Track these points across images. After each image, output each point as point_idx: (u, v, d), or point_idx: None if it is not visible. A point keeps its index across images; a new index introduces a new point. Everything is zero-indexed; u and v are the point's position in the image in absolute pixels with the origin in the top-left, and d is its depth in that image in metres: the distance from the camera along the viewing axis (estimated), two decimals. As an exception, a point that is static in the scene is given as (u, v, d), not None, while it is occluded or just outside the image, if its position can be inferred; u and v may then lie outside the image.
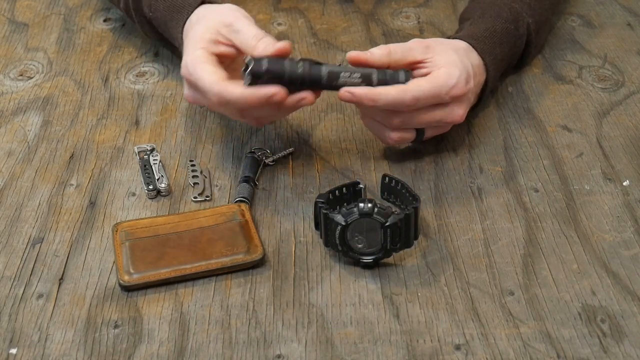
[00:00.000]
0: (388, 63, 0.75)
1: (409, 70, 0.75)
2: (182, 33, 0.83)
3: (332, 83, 0.74)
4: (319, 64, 0.74)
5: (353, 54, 0.75)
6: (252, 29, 0.77)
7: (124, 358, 0.63)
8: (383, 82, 0.74)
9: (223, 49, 0.77)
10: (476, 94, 0.82)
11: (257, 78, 0.71)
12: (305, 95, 0.73)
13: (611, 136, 0.85)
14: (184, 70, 0.76)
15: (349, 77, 0.74)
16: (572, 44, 1.00)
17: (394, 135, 0.77)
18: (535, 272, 0.70)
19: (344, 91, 0.73)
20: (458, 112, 0.77)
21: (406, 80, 0.74)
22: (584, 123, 0.87)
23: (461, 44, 0.81)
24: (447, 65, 0.75)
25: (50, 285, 0.69)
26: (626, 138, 0.85)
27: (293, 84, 0.72)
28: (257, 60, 0.72)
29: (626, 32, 1.03)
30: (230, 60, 0.78)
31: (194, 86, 0.75)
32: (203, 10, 0.82)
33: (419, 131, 0.78)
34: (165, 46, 0.94)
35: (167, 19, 0.86)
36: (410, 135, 0.78)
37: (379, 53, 0.75)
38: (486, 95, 0.85)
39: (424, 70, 0.76)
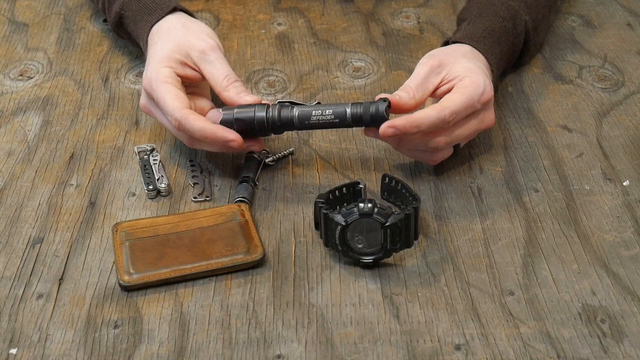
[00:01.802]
0: (417, 104, 0.75)
1: (386, 99, 0.74)
2: (147, 35, 0.84)
3: (305, 123, 0.75)
4: (293, 104, 0.75)
5: (399, 124, 0.72)
6: (226, 66, 0.79)
7: (124, 358, 0.63)
8: (358, 117, 0.73)
9: (189, 72, 0.79)
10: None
11: (230, 124, 0.75)
12: (254, 144, 0.76)
13: (611, 136, 0.85)
14: (146, 83, 0.78)
15: (321, 114, 0.74)
16: (572, 44, 1.00)
17: (438, 157, 0.78)
18: (535, 272, 0.70)
19: (386, 127, 0.72)
20: (490, 117, 0.78)
21: (388, 107, 0.73)
22: (584, 123, 0.87)
23: (465, 48, 0.81)
24: (468, 74, 0.76)
25: (50, 285, 0.69)
26: (626, 138, 0.85)
27: (263, 129, 0.75)
28: (227, 109, 0.76)
29: (626, 32, 1.03)
30: (192, 83, 0.80)
31: (153, 101, 0.77)
32: (176, 19, 0.84)
33: (455, 150, 0.79)
34: (135, 46, 0.95)
35: (137, 18, 0.87)
36: (450, 151, 0.78)
37: (406, 97, 0.75)
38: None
39: (445, 87, 0.76)
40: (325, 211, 0.69)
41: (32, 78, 0.95)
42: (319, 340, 0.64)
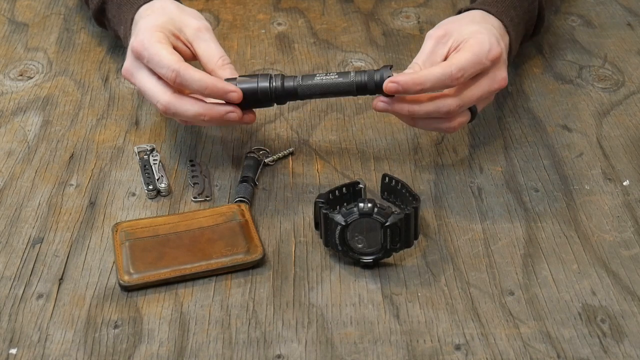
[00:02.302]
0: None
1: (391, 65, 0.73)
2: (134, 14, 0.82)
3: (308, 84, 0.74)
4: (292, 76, 0.75)
5: (402, 80, 0.71)
6: (220, 47, 0.78)
7: (124, 358, 0.63)
8: (362, 84, 0.73)
9: (180, 47, 0.77)
10: (507, 56, 0.80)
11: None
12: (249, 114, 0.75)
13: (611, 136, 0.85)
14: (136, 44, 0.75)
15: (325, 75, 0.74)
16: (572, 44, 1.00)
17: (455, 123, 0.75)
18: (535, 272, 0.70)
19: (389, 82, 0.71)
20: (501, 75, 0.75)
21: (391, 75, 0.72)
22: (584, 123, 0.87)
23: (475, 13, 0.80)
24: (472, 35, 0.75)
25: (50, 285, 0.69)
26: (626, 138, 0.85)
27: (267, 99, 0.74)
28: (229, 79, 0.74)
29: (626, 32, 1.03)
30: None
31: (143, 60, 0.74)
32: (168, 2, 0.82)
33: (473, 111, 0.77)
34: (114, 35, 0.93)
35: (122, 3, 0.85)
36: (467, 116, 0.76)
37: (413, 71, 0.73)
38: (511, 59, 0.83)
39: (453, 54, 0.75)
40: (325, 211, 0.69)
41: (32, 78, 0.95)
42: (319, 340, 0.64)
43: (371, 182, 0.79)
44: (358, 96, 0.75)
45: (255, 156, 0.81)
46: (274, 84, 0.74)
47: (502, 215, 0.76)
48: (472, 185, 0.79)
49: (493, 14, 0.80)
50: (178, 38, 0.78)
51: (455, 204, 0.77)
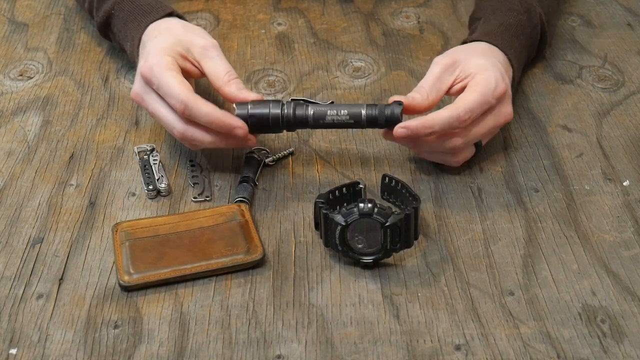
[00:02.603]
0: (430, 104, 0.76)
1: (401, 102, 0.74)
2: (142, 33, 0.83)
3: (319, 122, 0.75)
4: (307, 102, 0.75)
5: (412, 125, 0.73)
6: (227, 63, 0.79)
7: (124, 358, 0.63)
8: (373, 119, 0.74)
9: (189, 67, 0.79)
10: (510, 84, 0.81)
11: (244, 121, 0.74)
12: (251, 138, 0.75)
13: (611, 136, 0.85)
14: (145, 69, 0.76)
15: (336, 115, 0.74)
16: (572, 44, 1.00)
17: (459, 158, 0.78)
18: (535, 272, 0.70)
19: (398, 128, 0.73)
20: (506, 111, 0.77)
21: (401, 111, 0.74)
22: (584, 123, 0.87)
23: (481, 45, 0.81)
24: (480, 71, 0.76)
25: (50, 285, 0.69)
26: (626, 138, 0.85)
27: (278, 126, 0.75)
28: (241, 104, 0.75)
29: (626, 32, 1.03)
30: (189, 78, 0.79)
31: (153, 86, 0.75)
32: (174, 22, 0.83)
33: (478, 146, 0.79)
34: (119, 47, 0.94)
35: (128, 19, 0.87)
36: (472, 151, 0.78)
37: (419, 98, 0.76)
38: (515, 89, 0.84)
39: (459, 85, 0.77)
40: (325, 211, 0.69)
41: (32, 78, 0.95)
42: (319, 340, 0.64)
43: (371, 182, 0.79)
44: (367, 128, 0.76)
45: (255, 156, 0.81)
46: (285, 111, 0.75)
47: (502, 215, 0.76)
48: (472, 185, 0.79)
49: (498, 47, 0.81)
50: (186, 58, 0.78)
51: (455, 204, 0.77)
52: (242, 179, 0.78)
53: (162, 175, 0.79)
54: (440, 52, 0.98)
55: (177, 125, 0.75)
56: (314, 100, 0.76)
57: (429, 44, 1.01)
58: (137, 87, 0.78)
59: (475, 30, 0.87)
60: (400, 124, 0.73)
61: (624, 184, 0.79)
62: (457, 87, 0.77)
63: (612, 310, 0.66)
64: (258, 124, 0.75)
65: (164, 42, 0.79)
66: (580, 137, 0.85)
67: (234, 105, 0.76)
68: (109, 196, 0.78)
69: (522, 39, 0.85)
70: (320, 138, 0.85)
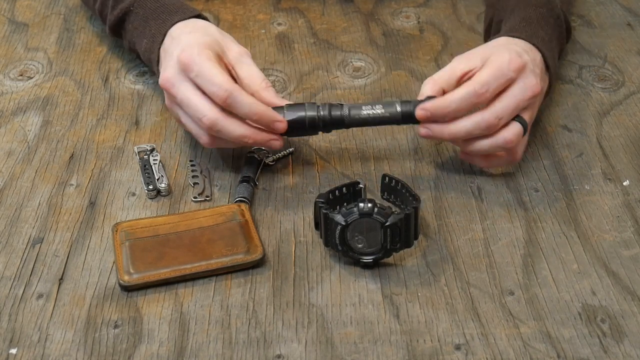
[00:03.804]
0: (442, 90, 0.75)
1: (434, 97, 0.75)
2: (166, 31, 0.82)
3: (355, 118, 0.75)
4: (339, 105, 0.76)
5: (429, 106, 0.74)
6: (260, 71, 0.79)
7: (124, 358, 0.63)
8: (408, 113, 0.75)
9: (223, 68, 0.77)
10: (540, 71, 0.79)
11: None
12: (281, 138, 0.76)
13: (611, 136, 0.85)
14: (186, 57, 0.74)
15: (372, 109, 0.75)
16: (572, 44, 1.00)
17: (507, 135, 0.74)
18: (535, 272, 0.70)
19: (418, 109, 0.73)
20: (531, 82, 0.75)
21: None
22: (584, 123, 0.87)
23: (500, 40, 0.80)
24: (493, 52, 0.76)
25: (50, 285, 0.69)
26: (626, 138, 0.85)
27: (314, 127, 0.76)
28: (277, 108, 0.75)
29: (626, 32, 1.03)
30: None
31: (190, 74, 0.74)
32: (206, 23, 0.83)
33: (522, 123, 0.75)
34: (128, 47, 0.92)
35: (150, 17, 0.86)
36: (518, 128, 0.75)
37: (429, 89, 0.75)
38: (554, 76, 0.83)
39: (472, 74, 0.76)
40: (325, 211, 0.69)
41: (32, 78, 0.95)
42: (319, 340, 0.64)
43: (371, 182, 0.79)
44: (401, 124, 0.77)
45: (255, 156, 0.81)
46: (321, 113, 0.75)
47: (502, 215, 0.76)
48: (472, 185, 0.79)
49: (522, 38, 0.80)
50: (221, 60, 0.78)
51: (455, 204, 0.77)
52: (242, 179, 0.78)
53: (162, 175, 0.79)
54: (440, 52, 0.99)
55: (209, 113, 0.73)
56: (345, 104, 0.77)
57: (429, 44, 1.01)
58: (170, 72, 0.76)
59: (498, 32, 0.86)
60: (419, 106, 0.73)
61: (624, 183, 0.79)
62: (473, 73, 0.76)
63: (612, 310, 0.66)
64: (295, 127, 0.75)
65: (202, 38, 0.78)
66: (580, 137, 0.85)
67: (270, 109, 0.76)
68: (109, 196, 0.78)
69: (547, 28, 0.84)
70: (320, 138, 0.85)
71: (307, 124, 0.76)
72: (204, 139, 0.76)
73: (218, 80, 0.72)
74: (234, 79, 0.77)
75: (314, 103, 0.76)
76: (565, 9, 0.89)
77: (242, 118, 0.74)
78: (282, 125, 0.74)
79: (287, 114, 0.75)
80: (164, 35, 0.82)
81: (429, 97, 0.74)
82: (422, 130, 0.75)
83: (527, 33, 0.81)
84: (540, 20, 0.84)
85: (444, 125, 0.74)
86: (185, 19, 0.83)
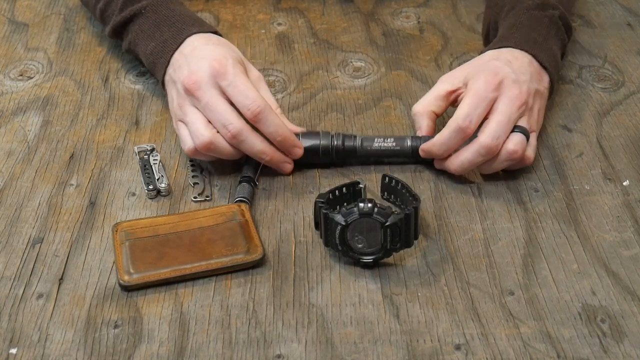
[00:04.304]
0: (434, 114, 0.80)
1: None
2: (183, 39, 0.82)
3: (367, 149, 0.79)
4: (352, 135, 0.80)
5: (425, 147, 0.78)
6: (273, 97, 0.82)
7: (124, 358, 0.63)
8: (417, 147, 0.79)
9: None
10: (530, 74, 0.79)
11: None
12: (290, 162, 0.79)
13: (611, 136, 0.85)
14: (221, 66, 0.75)
15: (383, 142, 0.79)
16: (572, 44, 1.00)
17: (509, 147, 0.75)
18: (535, 272, 0.70)
19: (420, 150, 0.78)
20: (514, 93, 0.76)
21: None
22: (584, 123, 0.87)
23: (485, 56, 0.82)
24: (470, 79, 0.78)
25: (50, 285, 0.69)
26: (626, 138, 0.85)
27: (327, 155, 0.79)
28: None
29: (626, 32, 1.03)
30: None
31: (222, 82, 0.75)
32: (224, 40, 0.84)
33: (522, 131, 0.76)
34: (126, 40, 0.91)
35: (163, 24, 0.86)
36: (518, 138, 0.75)
37: (421, 121, 0.80)
38: (554, 72, 0.83)
39: (460, 92, 0.80)
40: (325, 211, 0.69)
41: (32, 78, 0.95)
42: (319, 340, 0.64)
43: (371, 182, 0.79)
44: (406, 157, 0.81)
45: (255, 156, 0.81)
46: (334, 142, 0.79)
47: (502, 215, 0.76)
48: (472, 185, 0.79)
49: (512, 46, 0.81)
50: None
51: (455, 204, 0.77)
52: (242, 179, 0.78)
53: (162, 175, 0.79)
54: (440, 52, 0.99)
55: (236, 122, 0.74)
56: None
57: (429, 44, 1.01)
58: (200, 76, 0.76)
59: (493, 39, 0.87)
60: (420, 147, 0.78)
61: (624, 183, 0.79)
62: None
63: (612, 310, 0.66)
64: (308, 154, 0.79)
65: (232, 53, 0.79)
66: (580, 137, 0.85)
67: None
68: (109, 196, 0.78)
69: (540, 29, 0.84)
70: (320, 138, 0.85)
71: (321, 153, 0.79)
72: (200, 142, 0.75)
73: (252, 95, 0.75)
74: None
75: (328, 132, 0.80)
76: (564, 7, 0.89)
77: (263, 135, 0.76)
78: (300, 152, 0.78)
79: (302, 141, 0.79)
80: (180, 43, 0.82)
81: (431, 137, 0.78)
82: (422, 153, 0.79)
83: (517, 39, 0.82)
84: (532, 22, 0.85)
85: (448, 161, 0.77)
86: (204, 32, 0.84)
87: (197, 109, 0.76)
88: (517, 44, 0.82)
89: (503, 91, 0.76)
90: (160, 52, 0.84)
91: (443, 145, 0.76)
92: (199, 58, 0.78)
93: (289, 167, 0.79)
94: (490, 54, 0.82)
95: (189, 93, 0.76)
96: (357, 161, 0.81)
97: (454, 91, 0.80)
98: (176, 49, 0.82)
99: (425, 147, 0.78)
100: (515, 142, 0.75)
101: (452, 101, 0.80)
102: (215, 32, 0.85)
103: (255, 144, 0.76)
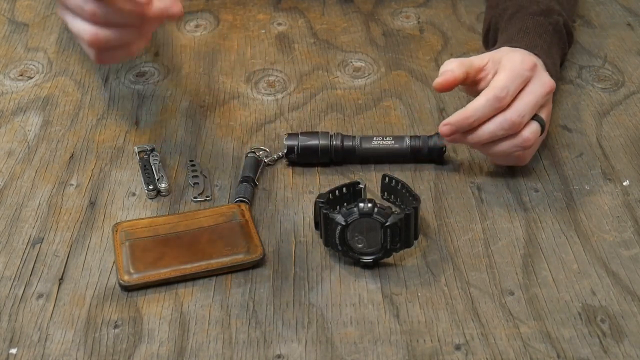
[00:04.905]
0: (466, 73, 0.76)
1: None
2: None
3: (365, 148, 0.80)
4: (351, 136, 0.81)
5: (439, 81, 0.75)
6: None
7: (124, 358, 0.63)
8: (416, 146, 0.79)
9: None
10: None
11: (291, 151, 0.80)
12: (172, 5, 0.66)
13: (611, 136, 0.85)
14: None
15: (382, 140, 0.80)
16: (572, 44, 1.00)
17: (525, 133, 0.74)
18: (535, 272, 0.70)
19: (442, 125, 0.74)
20: (546, 78, 0.76)
21: (440, 139, 0.79)
22: (584, 123, 0.87)
23: (503, 48, 0.81)
24: (503, 55, 0.77)
25: (50, 285, 0.69)
26: (626, 138, 0.85)
27: (326, 155, 0.80)
28: (291, 135, 0.80)
29: (626, 32, 1.03)
30: None
31: None
32: None
33: (540, 122, 0.75)
34: None
35: None
36: (536, 127, 0.75)
37: (457, 66, 0.75)
38: (556, 80, 0.82)
39: (483, 75, 0.77)
40: (325, 211, 0.69)
41: (32, 78, 0.95)
42: (319, 340, 0.64)
43: (371, 182, 0.79)
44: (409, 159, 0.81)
45: (255, 156, 0.81)
46: (333, 142, 0.80)
47: (502, 215, 0.76)
48: (472, 185, 0.79)
49: (521, 47, 0.81)
50: None
51: (455, 204, 0.77)
52: (242, 179, 0.78)
53: (162, 175, 0.79)
54: (440, 52, 0.99)
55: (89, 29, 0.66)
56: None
57: (429, 44, 1.01)
58: None
59: (495, 40, 0.87)
60: (443, 122, 0.74)
61: (624, 184, 0.79)
62: (482, 76, 0.77)
63: (612, 310, 0.66)
64: (307, 153, 0.79)
65: None
66: (580, 137, 0.85)
67: (284, 138, 0.80)
68: (109, 196, 0.78)
69: (545, 36, 0.85)
70: (320, 138, 0.85)
71: (320, 152, 0.79)
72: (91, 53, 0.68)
73: None
74: None
75: (327, 132, 0.80)
76: (567, 14, 0.89)
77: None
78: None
79: (301, 140, 0.79)
80: None
81: (438, 133, 0.76)
82: (444, 128, 0.74)
83: (526, 43, 0.82)
84: (538, 28, 0.85)
85: (467, 133, 0.75)
86: None
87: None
88: (527, 47, 0.81)
89: (536, 74, 0.76)
90: None
91: (477, 111, 0.73)
92: None
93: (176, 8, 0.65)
94: (506, 48, 0.81)
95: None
96: (357, 160, 0.81)
97: (482, 68, 0.77)
98: None
99: (454, 120, 0.73)
100: (531, 130, 0.75)
101: (478, 80, 0.77)
102: None
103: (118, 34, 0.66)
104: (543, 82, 0.76)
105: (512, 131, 0.74)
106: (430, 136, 0.79)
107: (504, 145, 0.75)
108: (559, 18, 0.87)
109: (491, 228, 0.74)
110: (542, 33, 0.85)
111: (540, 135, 0.76)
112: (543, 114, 0.76)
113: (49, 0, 1.10)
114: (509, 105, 0.74)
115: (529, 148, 0.76)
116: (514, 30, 0.85)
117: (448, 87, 0.75)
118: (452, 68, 0.76)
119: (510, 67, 0.75)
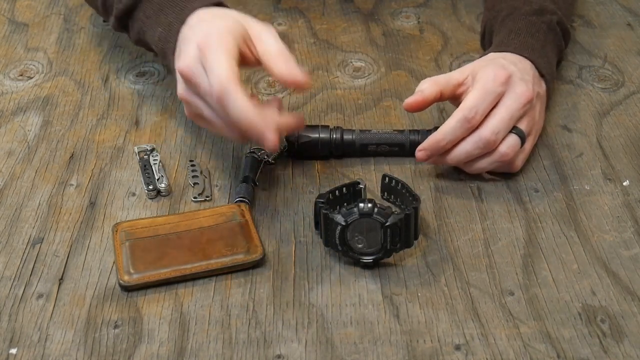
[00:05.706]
0: (440, 92, 0.77)
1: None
2: (185, 18, 0.75)
3: (364, 140, 0.80)
4: (351, 129, 0.81)
5: (409, 101, 0.76)
6: (278, 43, 0.72)
7: (124, 358, 0.63)
8: (414, 140, 0.79)
9: (248, 52, 0.72)
10: (532, 77, 0.79)
11: (292, 145, 0.80)
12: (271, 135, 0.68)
13: (611, 136, 0.85)
14: (201, 39, 0.69)
15: (382, 132, 0.81)
16: (572, 44, 1.00)
17: (502, 149, 0.75)
18: (535, 272, 0.70)
19: (417, 151, 0.76)
20: (521, 89, 0.76)
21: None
22: (584, 123, 0.87)
23: (488, 56, 0.81)
24: (478, 72, 0.77)
25: (50, 285, 0.69)
26: (626, 138, 0.85)
27: (326, 149, 0.81)
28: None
29: (626, 32, 1.03)
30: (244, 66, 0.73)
31: (204, 60, 0.68)
32: (225, 10, 0.76)
33: (519, 134, 0.76)
34: (135, 38, 0.85)
35: (165, 5, 0.79)
36: (513, 140, 0.76)
37: (428, 87, 0.76)
38: (550, 80, 0.83)
39: (464, 89, 0.78)
40: (325, 211, 0.69)
41: (32, 78, 0.95)
42: (319, 340, 0.64)
43: (371, 182, 0.79)
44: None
45: (255, 156, 0.81)
46: (333, 135, 0.80)
47: (502, 215, 0.76)
48: (472, 185, 0.79)
49: (511, 52, 0.81)
50: (245, 42, 0.71)
51: (455, 204, 0.77)
52: (242, 179, 0.78)
53: (162, 175, 0.79)
54: (440, 52, 0.99)
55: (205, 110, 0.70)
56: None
57: (429, 44, 1.01)
58: (190, 60, 0.69)
59: (490, 43, 0.88)
60: (418, 147, 0.76)
61: (624, 184, 0.79)
62: (469, 92, 0.77)
63: (612, 310, 0.66)
64: (307, 148, 0.80)
65: (223, 23, 0.71)
66: (580, 137, 0.85)
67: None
68: (109, 196, 0.78)
69: (538, 36, 0.85)
70: (320, 138, 0.85)
71: (320, 146, 0.80)
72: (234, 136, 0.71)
73: (214, 79, 0.67)
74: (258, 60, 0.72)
75: (327, 126, 0.81)
76: (563, 12, 0.89)
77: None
78: (271, 145, 0.67)
79: (301, 135, 0.80)
80: (183, 22, 0.75)
81: (436, 127, 0.77)
82: (419, 154, 0.77)
83: (515, 45, 0.82)
84: (530, 28, 0.85)
85: (444, 155, 0.77)
86: (206, 6, 0.76)
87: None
88: (516, 50, 0.82)
89: (510, 87, 0.76)
90: (166, 38, 0.78)
91: (447, 135, 0.74)
92: (189, 40, 0.72)
93: (269, 141, 0.68)
94: (494, 54, 0.81)
95: (187, 81, 0.71)
96: (356, 154, 0.81)
97: (461, 83, 0.78)
98: (179, 31, 0.75)
99: (427, 145, 0.75)
100: (508, 144, 0.75)
101: (458, 95, 0.78)
102: (219, 3, 0.78)
103: (219, 132, 0.72)
104: (518, 95, 0.76)
105: (488, 149, 0.75)
106: (430, 130, 0.79)
107: (483, 163, 0.77)
108: (553, 17, 0.87)
109: (491, 228, 0.74)
110: (535, 32, 0.85)
111: (522, 146, 0.77)
112: (523, 125, 0.77)
113: (49, 0, 1.10)
114: (482, 123, 0.75)
115: (509, 162, 0.77)
116: (506, 32, 0.85)
117: (417, 108, 0.77)
118: (423, 89, 0.77)
119: (481, 84, 0.75)
